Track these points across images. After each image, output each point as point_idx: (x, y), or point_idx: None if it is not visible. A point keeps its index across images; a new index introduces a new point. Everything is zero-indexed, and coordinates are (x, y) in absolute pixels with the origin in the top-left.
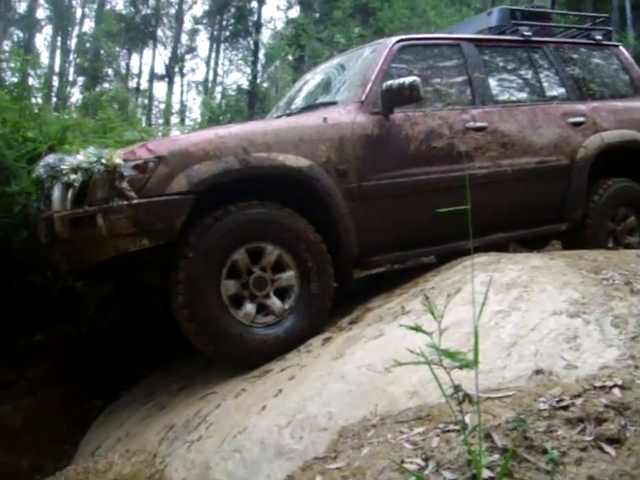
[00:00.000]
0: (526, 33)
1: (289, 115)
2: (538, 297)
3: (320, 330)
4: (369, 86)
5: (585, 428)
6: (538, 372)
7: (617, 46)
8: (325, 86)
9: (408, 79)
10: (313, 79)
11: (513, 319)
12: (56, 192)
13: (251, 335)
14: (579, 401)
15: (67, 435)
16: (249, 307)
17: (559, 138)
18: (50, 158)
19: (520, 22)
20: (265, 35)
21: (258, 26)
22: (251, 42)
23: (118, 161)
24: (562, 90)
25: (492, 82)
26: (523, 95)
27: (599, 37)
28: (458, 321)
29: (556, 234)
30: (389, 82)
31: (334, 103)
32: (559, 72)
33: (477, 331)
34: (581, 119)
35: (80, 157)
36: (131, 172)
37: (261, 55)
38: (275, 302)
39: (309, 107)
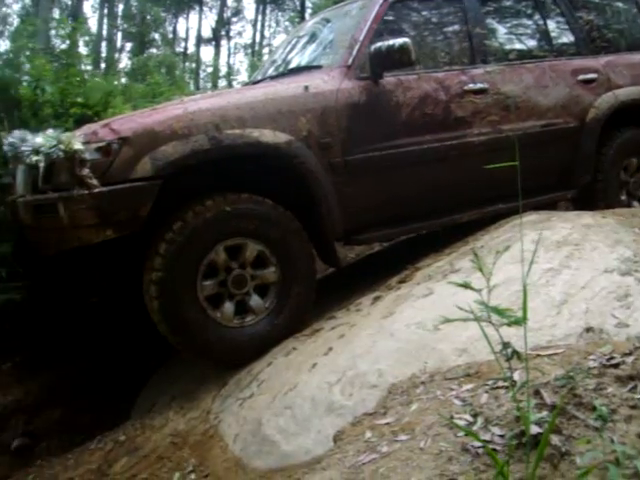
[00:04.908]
0: None
1: (272, 79)
2: (589, 255)
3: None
4: (356, 48)
5: (636, 386)
6: (588, 330)
7: None
8: (312, 45)
9: (398, 41)
10: (301, 36)
11: (564, 277)
12: (19, 175)
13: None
14: (630, 359)
15: (124, 393)
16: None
17: (568, 98)
18: (14, 135)
19: None
20: None
21: None
22: (297, 2)
23: (77, 146)
24: (573, 44)
25: (495, 38)
26: (529, 51)
27: None
28: (508, 279)
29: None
30: (378, 44)
31: (319, 67)
32: (571, 23)
33: (525, 287)
34: (593, 76)
35: (39, 140)
36: (94, 155)
37: (307, 15)
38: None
39: (292, 71)
